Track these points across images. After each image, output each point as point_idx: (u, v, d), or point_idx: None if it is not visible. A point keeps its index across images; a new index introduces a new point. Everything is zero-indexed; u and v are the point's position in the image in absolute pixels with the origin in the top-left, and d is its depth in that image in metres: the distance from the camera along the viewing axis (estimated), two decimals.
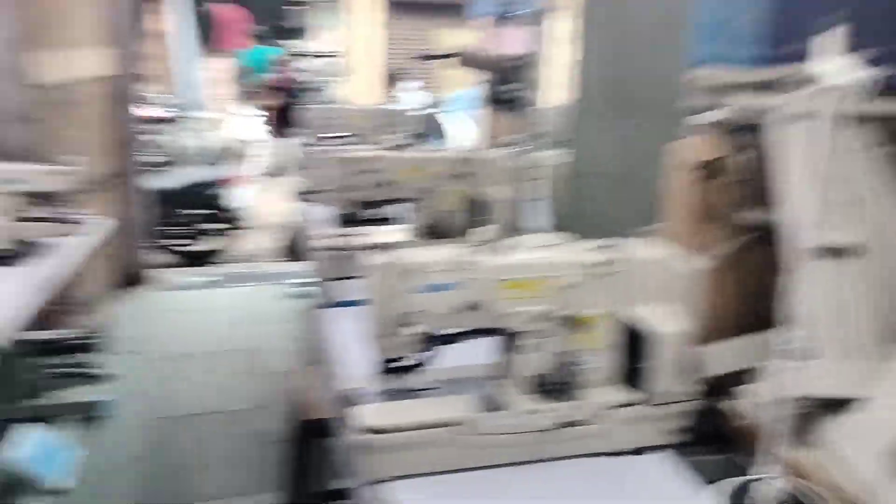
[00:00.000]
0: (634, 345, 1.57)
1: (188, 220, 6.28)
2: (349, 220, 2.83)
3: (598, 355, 1.58)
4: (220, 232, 6.45)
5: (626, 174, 2.56)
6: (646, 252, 1.59)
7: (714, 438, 1.84)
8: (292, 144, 3.71)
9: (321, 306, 2.53)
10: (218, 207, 6.38)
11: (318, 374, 2.12)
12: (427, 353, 1.55)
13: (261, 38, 11.09)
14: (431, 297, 1.47)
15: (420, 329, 1.46)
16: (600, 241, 1.62)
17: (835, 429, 1.36)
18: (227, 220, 6.43)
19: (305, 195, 3.44)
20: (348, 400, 1.58)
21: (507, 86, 4.07)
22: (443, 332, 1.55)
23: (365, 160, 2.73)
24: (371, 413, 1.47)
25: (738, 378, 1.90)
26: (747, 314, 1.93)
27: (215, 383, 4.06)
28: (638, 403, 1.58)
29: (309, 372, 2.47)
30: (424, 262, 1.46)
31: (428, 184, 2.57)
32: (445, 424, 1.47)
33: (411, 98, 8.51)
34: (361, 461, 1.45)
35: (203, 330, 4.81)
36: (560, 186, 3.03)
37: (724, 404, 1.70)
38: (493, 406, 1.52)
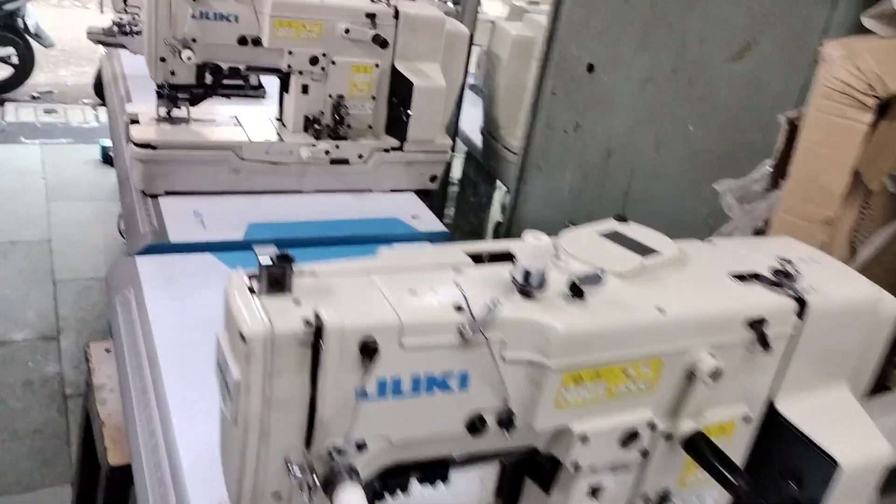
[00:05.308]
0: (793, 479, 0.76)
1: None
2: (187, 97, 1.75)
3: None
4: (9, 60, 5.05)
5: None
6: (828, 279, 0.75)
7: None
8: None
9: (133, 251, 1.50)
10: (11, 27, 4.93)
11: (125, 387, 1.16)
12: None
13: None
14: (381, 406, 0.56)
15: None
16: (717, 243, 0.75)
17: None
18: (23, 44, 5.01)
19: (111, 37, 2.23)
20: None
21: None
22: (399, 462, 0.66)
23: None
24: None
25: None
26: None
27: None
28: None
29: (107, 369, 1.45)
30: (391, 325, 0.54)
31: (319, 48, 1.73)
32: None
33: None
34: None
35: None
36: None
37: None
38: None
